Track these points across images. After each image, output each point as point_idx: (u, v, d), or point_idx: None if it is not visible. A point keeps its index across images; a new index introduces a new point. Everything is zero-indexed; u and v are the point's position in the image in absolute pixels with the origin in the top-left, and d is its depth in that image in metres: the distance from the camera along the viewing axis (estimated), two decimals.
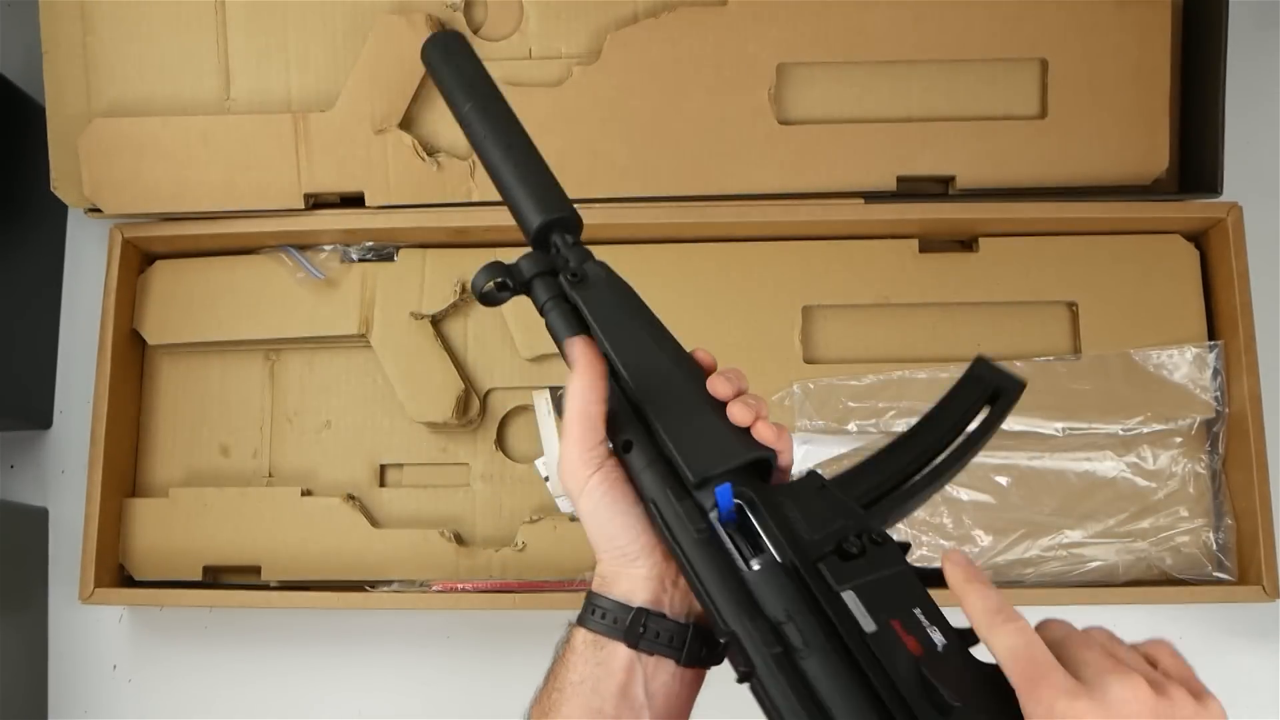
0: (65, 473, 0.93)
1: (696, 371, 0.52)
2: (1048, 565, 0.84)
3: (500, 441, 0.89)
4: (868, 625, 0.41)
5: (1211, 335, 0.86)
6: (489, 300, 0.55)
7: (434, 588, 0.84)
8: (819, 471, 0.49)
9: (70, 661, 0.90)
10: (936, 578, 0.44)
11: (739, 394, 0.50)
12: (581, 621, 0.49)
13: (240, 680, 0.89)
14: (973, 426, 0.52)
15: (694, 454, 0.48)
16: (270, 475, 0.89)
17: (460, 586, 0.83)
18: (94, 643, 0.90)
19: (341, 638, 0.89)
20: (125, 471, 0.89)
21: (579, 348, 0.51)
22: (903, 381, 0.85)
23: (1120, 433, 0.85)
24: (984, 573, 0.44)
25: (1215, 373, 0.85)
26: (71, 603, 0.85)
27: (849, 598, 0.43)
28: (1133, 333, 0.86)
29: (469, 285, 0.87)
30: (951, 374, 0.59)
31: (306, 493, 0.87)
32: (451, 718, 0.86)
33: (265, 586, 0.86)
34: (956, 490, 0.85)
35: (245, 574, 0.87)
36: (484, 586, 0.84)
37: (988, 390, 0.52)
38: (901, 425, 0.84)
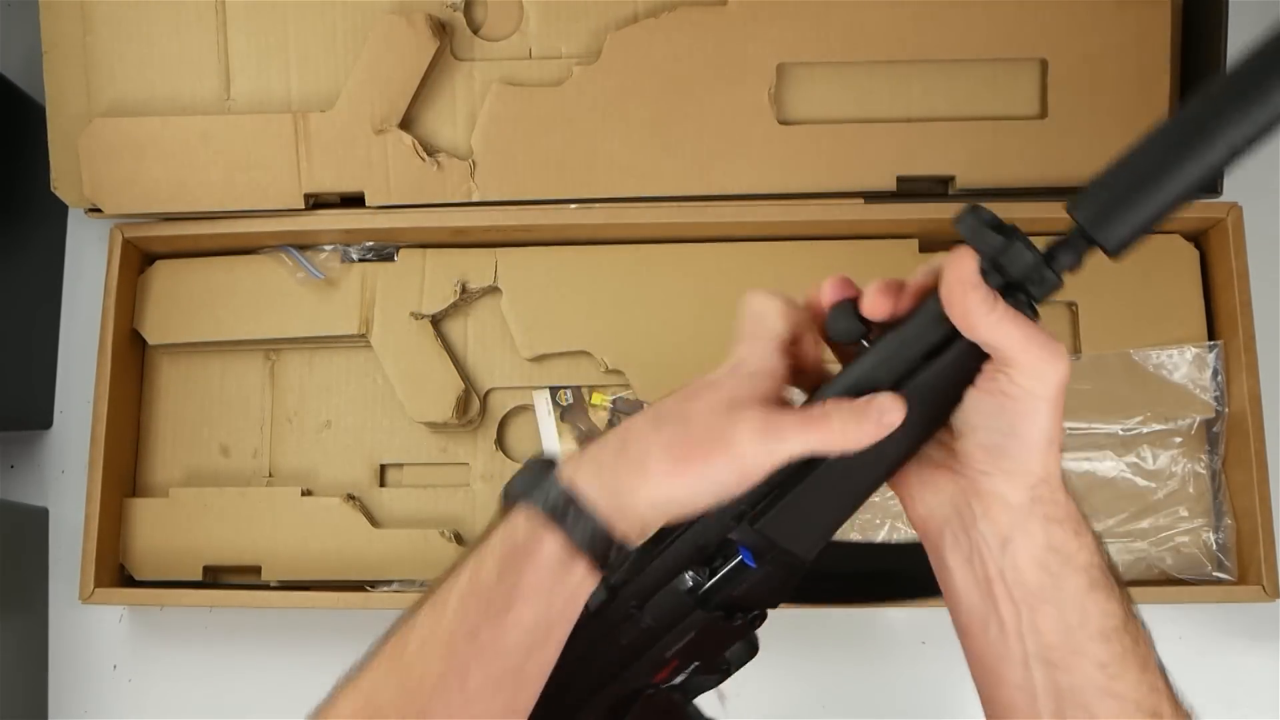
0: (65, 473, 0.93)
1: None
2: None
3: (500, 441, 0.89)
4: None
5: (1211, 335, 0.86)
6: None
7: None
8: None
9: (70, 661, 0.90)
10: None
11: None
12: (558, 520, 0.44)
13: (240, 680, 0.89)
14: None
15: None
16: (270, 475, 0.89)
17: None
18: (94, 643, 0.90)
19: (341, 638, 0.88)
20: (125, 471, 0.89)
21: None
22: None
23: (1120, 433, 0.85)
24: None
25: (1215, 373, 0.85)
26: (71, 603, 0.85)
27: None
28: (1132, 333, 0.86)
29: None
30: None
31: (306, 493, 0.87)
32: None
33: (265, 586, 0.86)
34: None
35: (245, 574, 0.87)
36: None
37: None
38: None
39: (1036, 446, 0.44)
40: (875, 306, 0.49)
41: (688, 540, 0.51)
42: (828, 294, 0.51)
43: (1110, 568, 0.46)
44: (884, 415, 0.45)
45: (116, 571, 0.87)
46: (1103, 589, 0.45)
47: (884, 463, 0.48)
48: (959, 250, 0.47)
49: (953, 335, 0.46)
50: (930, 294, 0.47)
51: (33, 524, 0.91)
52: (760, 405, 0.46)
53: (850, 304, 0.50)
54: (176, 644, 0.90)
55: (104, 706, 0.89)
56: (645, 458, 0.45)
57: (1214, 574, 0.84)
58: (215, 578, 0.87)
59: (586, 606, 0.47)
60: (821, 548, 0.50)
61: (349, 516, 0.86)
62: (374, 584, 0.85)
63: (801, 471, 0.48)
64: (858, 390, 0.47)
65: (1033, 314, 0.46)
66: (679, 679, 0.54)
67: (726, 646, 0.54)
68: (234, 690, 0.89)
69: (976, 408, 0.46)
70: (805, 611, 0.84)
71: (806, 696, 0.86)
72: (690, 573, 0.50)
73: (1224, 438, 0.85)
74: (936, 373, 0.46)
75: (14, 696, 0.86)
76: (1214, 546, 0.84)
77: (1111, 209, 0.47)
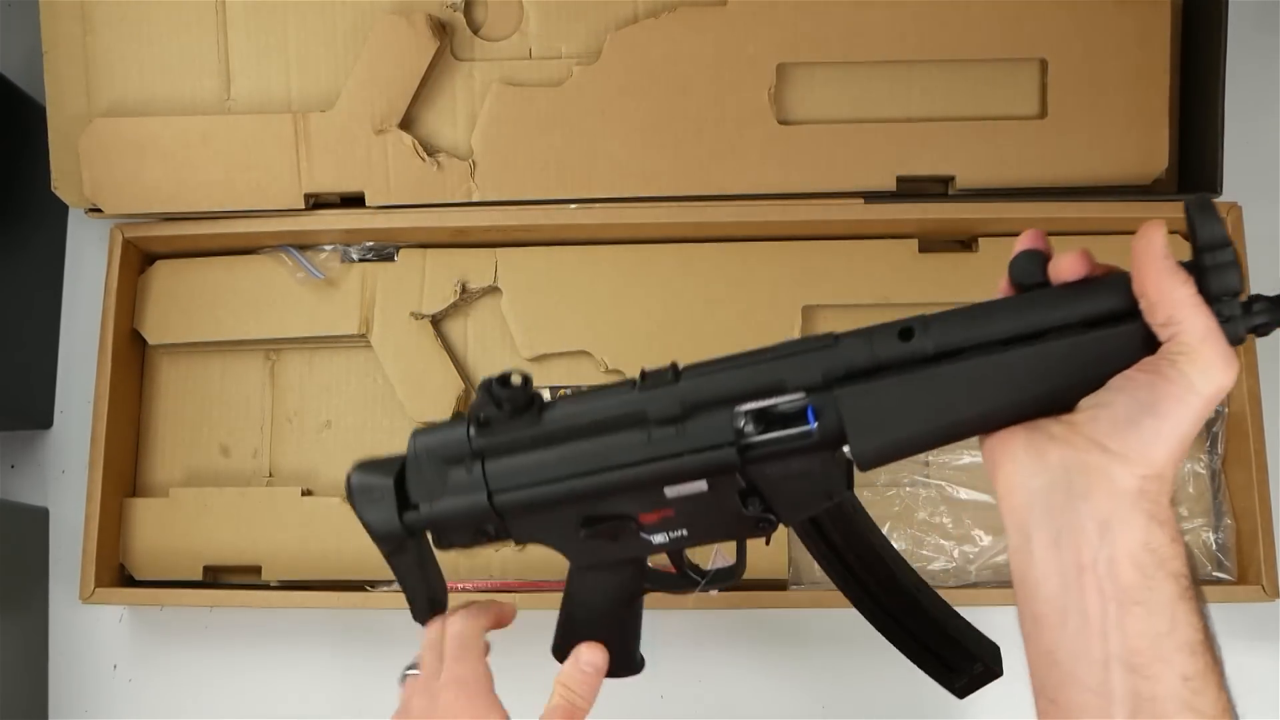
0: (65, 473, 0.93)
1: None
2: None
3: None
4: None
5: None
6: None
7: None
8: None
9: (70, 661, 0.90)
10: None
11: None
12: None
13: (240, 680, 0.89)
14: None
15: None
16: (270, 475, 0.89)
17: (460, 586, 0.83)
18: (94, 643, 0.90)
19: (341, 638, 0.89)
20: (125, 471, 0.89)
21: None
22: None
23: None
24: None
25: None
26: (71, 603, 0.85)
27: None
28: None
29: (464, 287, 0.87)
30: None
31: (306, 493, 0.87)
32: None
33: (265, 586, 0.86)
34: (956, 490, 0.85)
35: (245, 574, 0.87)
36: (484, 586, 0.84)
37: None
38: None
39: (1170, 437, 0.42)
40: (1070, 265, 0.47)
41: (764, 372, 0.50)
42: (1024, 241, 0.50)
43: (1195, 580, 0.44)
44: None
45: (116, 571, 0.87)
46: (1190, 600, 0.43)
47: (988, 403, 0.46)
48: (1150, 223, 0.45)
49: (1127, 314, 0.44)
50: (1118, 273, 0.46)
51: (33, 524, 0.91)
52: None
53: (1039, 254, 0.48)
54: (176, 644, 0.90)
55: (104, 706, 0.89)
56: None
57: (1214, 574, 0.84)
58: (215, 578, 0.87)
59: (638, 379, 0.53)
60: (878, 462, 0.48)
61: (349, 516, 0.84)
62: (374, 584, 0.85)
63: (909, 365, 0.47)
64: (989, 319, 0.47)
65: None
66: (657, 539, 0.55)
67: (723, 530, 0.54)
68: (234, 690, 0.89)
69: (1128, 381, 0.44)
70: (805, 612, 0.85)
71: (807, 697, 0.86)
72: (750, 407, 0.50)
73: (1224, 438, 0.85)
74: (1095, 339, 0.45)
75: (14, 696, 0.86)
76: (1214, 546, 0.84)
77: None
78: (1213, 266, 0.45)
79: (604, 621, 0.60)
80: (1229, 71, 0.82)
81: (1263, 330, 0.45)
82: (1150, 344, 0.44)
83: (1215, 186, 0.83)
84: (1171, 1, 0.85)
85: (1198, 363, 0.42)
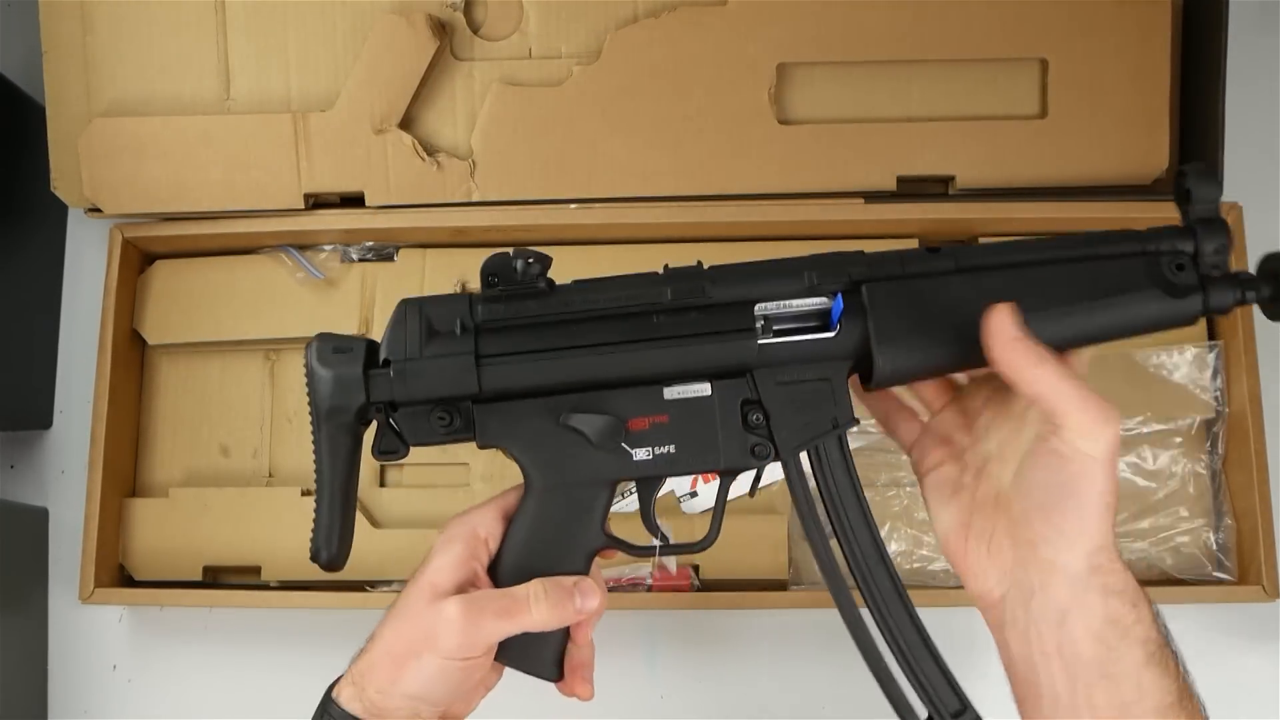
0: (65, 473, 0.93)
1: None
2: None
3: None
4: None
5: (1211, 335, 0.86)
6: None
7: None
8: None
9: (70, 661, 0.90)
10: None
11: None
12: None
13: (240, 680, 0.89)
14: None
15: None
16: (270, 475, 0.89)
17: None
18: (94, 643, 0.90)
19: (341, 638, 0.88)
20: (125, 471, 0.89)
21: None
22: None
23: (1120, 433, 0.85)
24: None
25: (1215, 373, 0.85)
26: (71, 603, 0.85)
27: None
28: None
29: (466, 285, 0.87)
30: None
31: (306, 493, 0.87)
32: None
33: (265, 586, 0.86)
34: None
35: (245, 574, 0.87)
36: None
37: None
38: None
39: (1094, 508, 0.45)
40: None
41: (790, 272, 0.50)
42: None
43: (1166, 641, 0.46)
44: (585, 600, 0.49)
45: (116, 572, 0.87)
46: (1159, 664, 0.45)
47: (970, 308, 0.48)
48: (997, 307, 0.46)
49: (1131, 253, 0.50)
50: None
51: (33, 524, 0.91)
52: (459, 592, 0.49)
53: None
54: (176, 644, 0.90)
55: (104, 706, 0.89)
56: (374, 663, 0.50)
57: (1214, 574, 0.84)
58: (215, 578, 0.87)
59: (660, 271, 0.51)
60: (896, 373, 0.49)
61: None
62: (374, 584, 0.85)
63: (935, 275, 0.49)
64: None
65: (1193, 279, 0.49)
66: (640, 454, 0.50)
67: (713, 455, 0.50)
68: (234, 690, 0.89)
69: (1033, 467, 0.46)
70: (805, 612, 0.85)
71: (807, 697, 0.86)
72: (772, 306, 0.50)
73: (1224, 438, 0.85)
74: (1102, 263, 0.50)
75: (14, 696, 0.86)
76: (1214, 546, 0.84)
77: None
78: (1202, 221, 0.49)
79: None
80: (1229, 71, 0.82)
81: (1244, 301, 0.50)
82: (1153, 270, 0.49)
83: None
84: (1171, 1, 0.85)
85: (1081, 431, 0.45)
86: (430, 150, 0.86)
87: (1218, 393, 0.85)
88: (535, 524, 0.52)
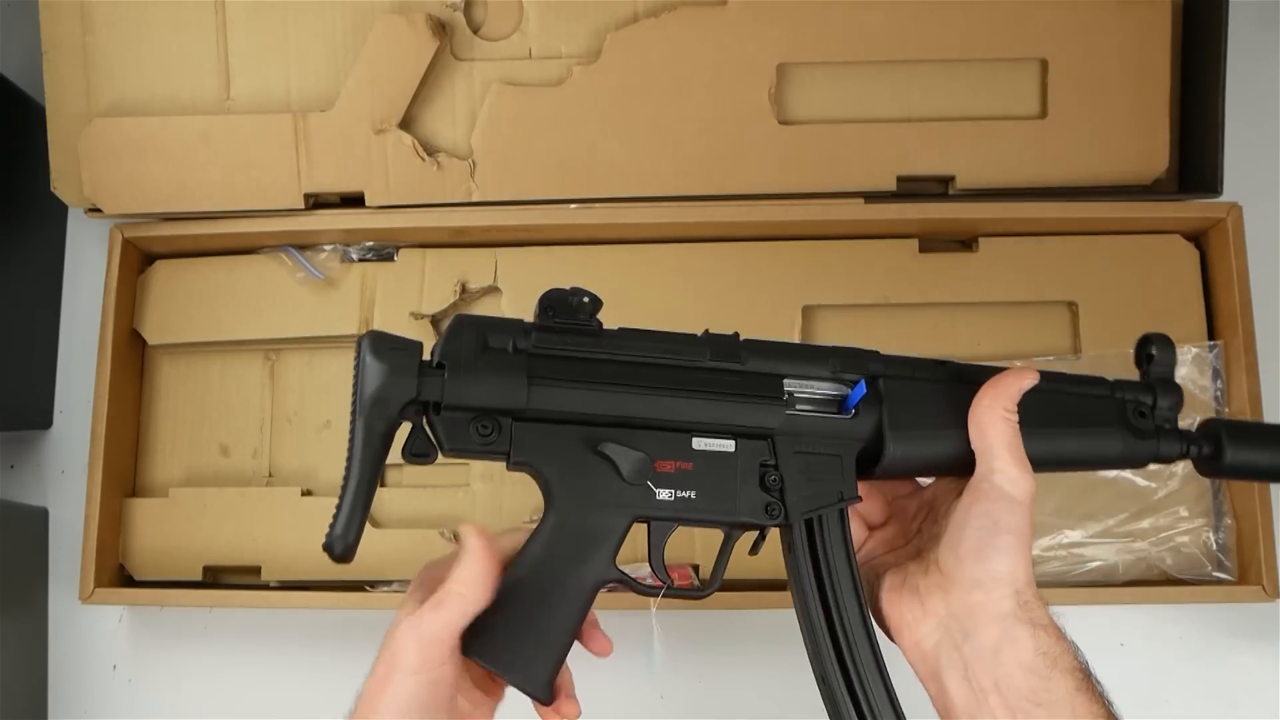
0: (65, 473, 0.93)
1: None
2: (1048, 565, 0.84)
3: None
4: None
5: (1211, 335, 0.86)
6: None
7: None
8: None
9: (70, 661, 0.90)
10: None
11: None
12: None
13: (240, 680, 0.89)
14: None
15: None
16: (270, 475, 0.89)
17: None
18: (94, 643, 0.90)
19: (341, 638, 0.89)
20: (125, 471, 0.89)
21: None
22: None
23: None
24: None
25: (1215, 373, 0.85)
26: (71, 603, 0.85)
27: None
28: (1133, 333, 0.84)
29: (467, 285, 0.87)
30: None
31: (306, 493, 0.87)
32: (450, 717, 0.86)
33: (265, 586, 0.86)
34: None
35: (245, 574, 0.87)
36: None
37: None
38: None
39: (1020, 546, 0.51)
40: None
41: (816, 358, 0.56)
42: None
43: (1089, 672, 0.51)
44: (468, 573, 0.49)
45: (116, 572, 0.87)
46: (1087, 691, 0.50)
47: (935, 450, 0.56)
48: (1020, 374, 0.55)
49: (1107, 395, 0.59)
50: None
51: (33, 524, 0.91)
52: (412, 611, 0.50)
53: None
54: (176, 644, 0.90)
55: (104, 706, 0.89)
56: (365, 693, 0.53)
57: (1214, 574, 0.84)
58: (215, 578, 0.87)
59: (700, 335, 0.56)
60: (902, 462, 0.55)
61: None
62: (374, 584, 0.85)
63: (942, 374, 0.57)
64: None
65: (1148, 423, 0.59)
66: (662, 494, 0.53)
67: (728, 507, 0.54)
68: (234, 690, 0.89)
69: (964, 511, 0.53)
70: None
71: (807, 697, 0.86)
72: (799, 384, 0.55)
73: None
74: (1089, 397, 0.59)
75: (14, 696, 0.86)
76: (1214, 546, 0.84)
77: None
78: (1160, 381, 0.59)
79: (548, 605, 0.52)
80: (1229, 71, 0.82)
81: (1191, 454, 0.59)
82: (1121, 413, 0.58)
83: (1215, 186, 0.83)
84: (1171, 1, 0.85)
85: (1009, 475, 0.52)
86: (430, 150, 0.86)
87: (1218, 393, 0.85)
88: (550, 543, 0.53)
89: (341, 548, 0.52)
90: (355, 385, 0.52)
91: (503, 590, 0.52)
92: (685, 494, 0.53)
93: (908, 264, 0.87)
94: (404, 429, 0.53)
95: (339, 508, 0.51)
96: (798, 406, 0.55)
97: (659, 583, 0.55)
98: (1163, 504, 0.85)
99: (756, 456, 0.54)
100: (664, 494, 0.53)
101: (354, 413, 0.52)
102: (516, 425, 0.53)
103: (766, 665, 0.86)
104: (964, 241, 0.89)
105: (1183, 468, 0.85)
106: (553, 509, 0.53)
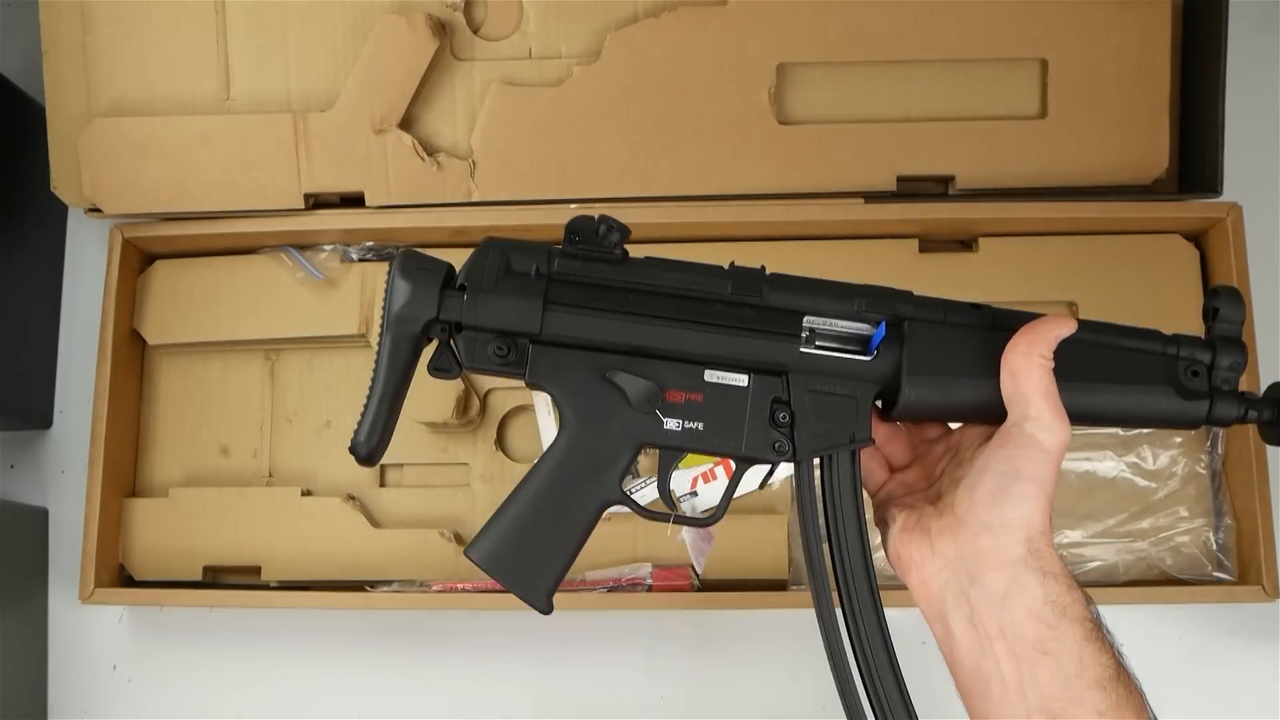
0: (65, 473, 0.93)
1: None
2: None
3: (500, 441, 0.89)
4: None
5: None
6: None
7: (434, 588, 0.84)
8: None
9: (70, 661, 0.90)
10: None
11: None
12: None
13: (240, 680, 0.89)
14: None
15: None
16: (270, 475, 0.89)
17: (460, 586, 0.83)
18: (94, 643, 0.90)
19: (341, 638, 0.89)
20: (125, 471, 0.89)
21: None
22: None
23: (1120, 433, 0.85)
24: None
25: None
26: (71, 603, 0.85)
27: None
28: None
29: None
30: None
31: (306, 493, 0.87)
32: (450, 718, 0.86)
33: (265, 586, 0.86)
34: None
35: (245, 574, 0.87)
36: (484, 586, 0.83)
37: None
38: None
39: (1039, 495, 0.49)
40: None
41: (843, 296, 0.55)
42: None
43: (1100, 622, 0.50)
44: None
45: (116, 572, 0.87)
46: (1096, 641, 0.48)
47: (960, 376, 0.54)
48: (1057, 319, 0.53)
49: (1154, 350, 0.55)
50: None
51: (33, 524, 0.91)
52: None
53: None
54: (176, 644, 0.90)
55: (104, 706, 0.89)
56: None
57: (1214, 574, 0.84)
58: (215, 578, 0.87)
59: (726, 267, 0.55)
60: (918, 407, 0.54)
61: (349, 516, 0.86)
62: (374, 584, 0.85)
63: (978, 319, 0.55)
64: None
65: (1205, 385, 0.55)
66: (670, 423, 0.54)
67: (736, 440, 0.54)
68: (234, 690, 0.89)
69: (989, 455, 0.51)
70: (805, 612, 0.84)
71: (807, 697, 0.86)
72: (819, 320, 0.54)
73: (1224, 438, 0.85)
74: (1130, 350, 0.55)
75: (14, 696, 0.86)
76: (1214, 546, 0.84)
77: None
78: (1224, 339, 0.55)
79: (553, 517, 0.55)
80: (1229, 71, 0.82)
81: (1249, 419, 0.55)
82: (1170, 370, 0.54)
83: (1215, 186, 0.83)
84: (1171, 1, 0.85)
85: (1043, 423, 0.50)
86: (430, 150, 0.86)
87: None
88: (561, 461, 0.55)
89: (366, 450, 0.55)
90: (385, 302, 0.54)
91: (510, 503, 0.54)
92: (693, 425, 0.54)
93: (908, 264, 0.87)
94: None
95: (364, 415, 0.55)
96: (817, 344, 0.55)
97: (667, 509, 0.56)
98: (1163, 504, 0.85)
99: (769, 392, 0.54)
100: (672, 424, 0.54)
101: (382, 328, 0.54)
102: (533, 348, 0.54)
103: (766, 665, 0.87)
104: (964, 241, 0.89)
105: (1183, 467, 0.85)
106: (565, 429, 0.55)
